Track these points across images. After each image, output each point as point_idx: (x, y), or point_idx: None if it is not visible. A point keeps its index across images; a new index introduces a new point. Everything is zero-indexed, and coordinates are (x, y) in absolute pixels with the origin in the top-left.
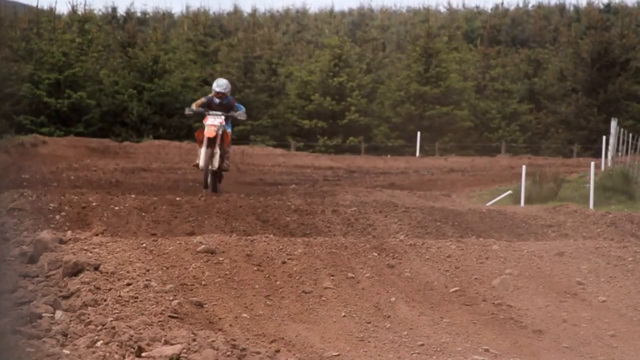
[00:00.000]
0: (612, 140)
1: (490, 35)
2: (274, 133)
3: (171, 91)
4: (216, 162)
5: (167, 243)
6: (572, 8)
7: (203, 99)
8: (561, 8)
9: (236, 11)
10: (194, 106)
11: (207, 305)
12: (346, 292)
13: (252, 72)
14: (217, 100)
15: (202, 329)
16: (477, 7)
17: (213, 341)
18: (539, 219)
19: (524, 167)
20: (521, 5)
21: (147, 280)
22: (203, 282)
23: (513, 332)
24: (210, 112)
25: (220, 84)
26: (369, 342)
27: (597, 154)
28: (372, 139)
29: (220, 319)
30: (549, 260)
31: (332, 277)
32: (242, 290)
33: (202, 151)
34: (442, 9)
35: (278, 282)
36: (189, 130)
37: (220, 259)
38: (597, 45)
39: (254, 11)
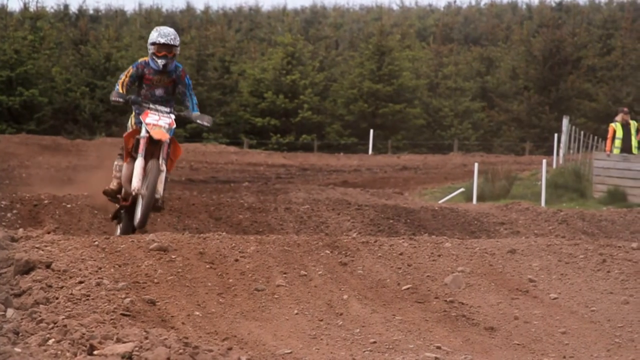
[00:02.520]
0: (563, 138)
1: (443, 34)
2: (227, 131)
3: None
4: (162, 186)
5: (119, 241)
6: (524, 6)
7: (131, 69)
8: (513, 6)
9: (189, 9)
10: (119, 86)
11: (159, 303)
12: (299, 289)
13: (204, 70)
14: (157, 66)
15: (154, 327)
16: (430, 5)
17: (165, 339)
18: (491, 216)
19: (476, 164)
20: (474, 3)
21: (99, 278)
22: (155, 280)
23: (465, 330)
24: (152, 106)
25: (165, 33)
26: (321, 339)
27: (549, 152)
28: (325, 136)
29: (172, 317)
30: (501, 257)
31: (284, 275)
32: (194, 288)
33: (137, 164)
34: (395, 7)
35: (231, 280)
36: None
37: (173, 256)
38: (549, 44)
39: (207, 9)
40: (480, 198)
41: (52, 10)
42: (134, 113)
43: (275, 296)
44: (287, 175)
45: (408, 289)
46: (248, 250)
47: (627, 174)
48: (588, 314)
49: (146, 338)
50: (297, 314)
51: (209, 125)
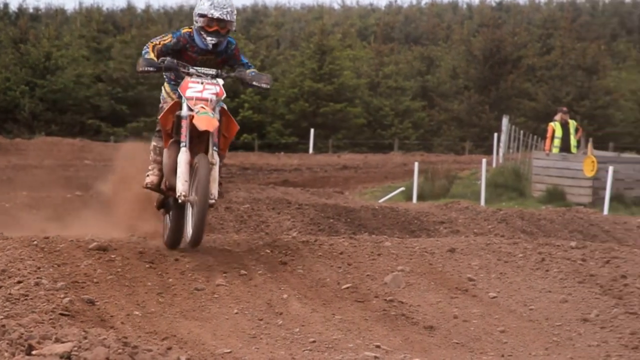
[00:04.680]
0: (503, 137)
1: (384, 33)
2: None
3: (64, 88)
4: (216, 185)
5: (58, 240)
6: (464, 6)
7: (169, 38)
8: (454, 6)
9: (130, 8)
10: (148, 49)
11: (98, 303)
12: (239, 289)
13: None
14: (205, 44)
15: (93, 327)
16: (371, 4)
17: (104, 339)
18: (431, 215)
19: (416, 164)
20: (414, 2)
21: (38, 278)
22: (95, 280)
23: (404, 329)
24: (192, 70)
25: (219, 4)
26: (261, 339)
27: (488, 151)
28: (266, 136)
29: (111, 316)
30: (441, 256)
31: (224, 274)
32: (134, 287)
33: (181, 159)
34: (336, 7)
35: (170, 280)
36: (82, 127)
37: (112, 256)
38: (489, 43)
39: (148, 8)
40: (420, 197)
41: None
42: (166, 84)
43: (215, 295)
44: (228, 175)
45: (348, 288)
46: (188, 250)
47: (565, 173)
48: (527, 312)
49: (85, 338)
50: (237, 313)
51: (268, 86)
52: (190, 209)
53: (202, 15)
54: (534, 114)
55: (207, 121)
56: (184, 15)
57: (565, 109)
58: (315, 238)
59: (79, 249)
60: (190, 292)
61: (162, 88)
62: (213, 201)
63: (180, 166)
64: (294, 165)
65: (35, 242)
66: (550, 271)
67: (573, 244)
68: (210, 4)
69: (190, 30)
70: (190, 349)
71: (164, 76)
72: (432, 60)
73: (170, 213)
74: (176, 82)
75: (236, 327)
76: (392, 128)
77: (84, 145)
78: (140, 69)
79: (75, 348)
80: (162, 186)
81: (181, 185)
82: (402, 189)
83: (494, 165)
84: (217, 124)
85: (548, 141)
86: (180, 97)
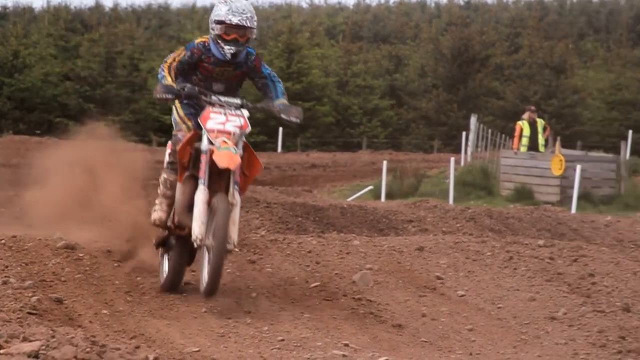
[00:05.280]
0: (471, 136)
1: (352, 32)
2: (136, 129)
3: (31, 86)
4: (235, 229)
5: (26, 239)
6: (433, 4)
7: (182, 52)
8: (422, 4)
9: (98, 6)
10: (164, 72)
11: (66, 302)
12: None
13: (113, 67)
14: (223, 54)
15: (61, 326)
16: (339, 3)
17: (72, 338)
18: (399, 214)
19: (384, 162)
20: (383, 1)
21: (5, 276)
22: (63, 279)
23: (373, 327)
24: (215, 98)
25: (238, 8)
26: (229, 337)
27: (457, 150)
28: None
29: (80, 315)
30: (409, 255)
31: (192, 273)
32: (102, 286)
33: (198, 199)
34: (305, 5)
35: (138, 278)
36: (50, 126)
37: (81, 255)
38: (457, 42)
39: (116, 6)
40: (389, 196)
41: None
42: (178, 104)
43: (184, 294)
44: None
45: (316, 286)
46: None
47: (533, 172)
48: (495, 311)
49: (53, 337)
50: (205, 312)
51: (298, 121)
52: (206, 253)
53: (219, 22)
54: (502, 112)
55: (228, 158)
56: (152, 13)
57: (533, 107)
58: (284, 237)
59: (46, 247)
60: (158, 290)
61: (173, 110)
62: (232, 247)
63: (197, 206)
64: (262, 163)
65: (3, 241)
66: (519, 269)
67: (541, 242)
68: (228, 9)
69: (205, 39)
70: (159, 347)
71: (180, 104)
72: (400, 59)
73: (170, 253)
74: (190, 104)
75: (204, 326)
76: (361, 127)
77: (51, 144)
78: (158, 96)
79: (43, 347)
80: (170, 223)
81: (198, 227)
82: (370, 187)
83: (462, 163)
84: (239, 161)
85: (516, 140)
86: (197, 125)
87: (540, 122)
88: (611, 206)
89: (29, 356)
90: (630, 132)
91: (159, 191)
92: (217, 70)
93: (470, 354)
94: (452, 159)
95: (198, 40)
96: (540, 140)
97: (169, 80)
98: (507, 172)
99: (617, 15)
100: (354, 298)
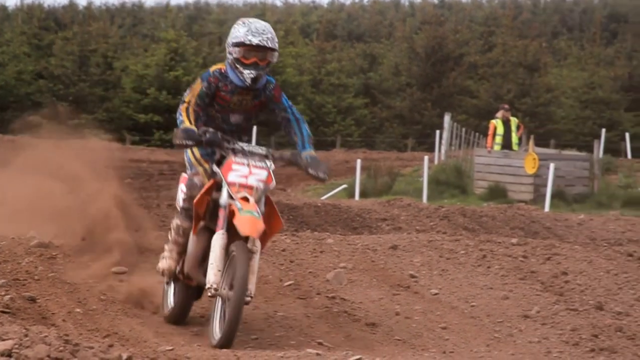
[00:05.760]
0: (445, 134)
1: (326, 30)
2: (109, 127)
3: (4, 85)
4: (254, 281)
5: None
6: (407, 3)
7: (199, 86)
8: (396, 3)
9: (71, 4)
10: (182, 116)
11: (40, 301)
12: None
13: (87, 66)
14: (242, 81)
15: (34, 325)
16: (314, 1)
17: (45, 336)
18: (373, 212)
19: (358, 161)
20: (357, 0)
21: None
22: (36, 277)
23: (346, 326)
24: (238, 147)
25: (258, 29)
26: (203, 336)
27: (430, 148)
28: None
29: (53, 314)
30: (383, 253)
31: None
32: (75, 285)
33: (215, 243)
34: (279, 3)
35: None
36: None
37: (54, 253)
38: (431, 41)
39: (90, 4)
40: (363, 194)
41: None
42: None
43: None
44: (170, 172)
45: (290, 285)
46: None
47: (507, 170)
48: (468, 309)
49: (26, 335)
50: None
51: (325, 177)
52: (220, 303)
53: (237, 45)
54: (475, 111)
55: (251, 224)
56: (126, 12)
57: (507, 106)
58: None
59: (20, 246)
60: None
61: (187, 150)
62: (250, 299)
63: (214, 251)
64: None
65: None
66: (492, 268)
67: (514, 240)
68: (247, 30)
69: (221, 66)
70: (132, 346)
71: (197, 150)
72: (374, 57)
73: (177, 284)
74: (217, 158)
75: (178, 325)
76: (335, 125)
77: (24, 143)
78: (178, 142)
79: (16, 346)
80: (178, 273)
81: (213, 275)
82: (344, 186)
83: (436, 162)
84: (262, 227)
85: (490, 138)
86: (212, 173)
87: (513, 121)
88: (584, 204)
89: (2, 355)
90: (604, 130)
91: (169, 237)
92: (235, 100)
93: (444, 352)
94: (426, 158)
95: (213, 68)
96: (514, 138)
97: (187, 123)
98: (481, 171)
99: (590, 14)
100: (327, 296)
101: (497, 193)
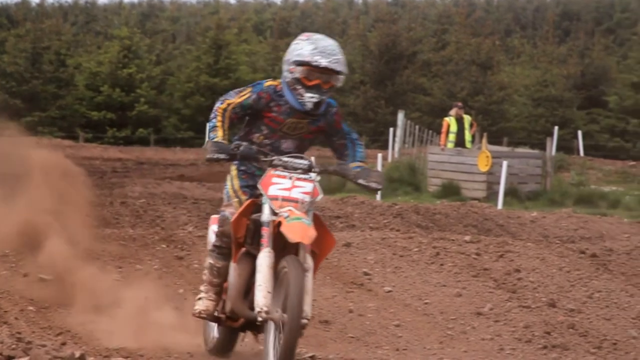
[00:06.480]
0: (399, 132)
1: (280, 28)
2: (62, 124)
3: None
4: (309, 302)
5: None
6: (360, 1)
7: (247, 93)
8: (350, 1)
9: (24, 1)
10: (217, 123)
11: None
12: (135, 284)
13: (40, 63)
14: (301, 105)
15: None
16: None
17: None
18: (326, 210)
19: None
20: None
21: None
22: None
23: None
24: (277, 160)
25: (327, 49)
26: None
27: (384, 146)
28: (162, 130)
29: (5, 312)
30: (337, 251)
31: (120, 270)
32: (28, 283)
33: (262, 262)
34: (232, 1)
35: (67, 275)
36: None
37: (7, 251)
38: (384, 38)
39: (43, 1)
40: None
41: None
42: (234, 173)
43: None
44: (124, 170)
45: None
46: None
47: (460, 168)
48: (421, 306)
49: None
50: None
51: (379, 187)
52: (272, 328)
53: (301, 64)
54: (429, 109)
55: (301, 230)
56: (79, 9)
57: (460, 104)
58: None
59: None
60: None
61: (227, 180)
62: (306, 321)
63: (260, 272)
64: (190, 160)
65: None
66: (445, 265)
67: (467, 238)
68: (314, 49)
69: (276, 83)
70: (85, 343)
71: (236, 165)
72: None
73: (217, 328)
74: (248, 173)
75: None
76: None
77: None
78: (209, 156)
79: None
80: (219, 313)
81: (262, 297)
82: None
83: (389, 160)
84: (314, 234)
85: (443, 136)
86: (250, 193)
87: (467, 119)
88: (537, 202)
89: None
90: (556, 128)
91: (203, 277)
92: (289, 123)
93: (397, 350)
94: (380, 155)
95: (268, 83)
96: (467, 136)
97: (220, 135)
98: (434, 168)
99: (543, 12)
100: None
101: (450, 190)
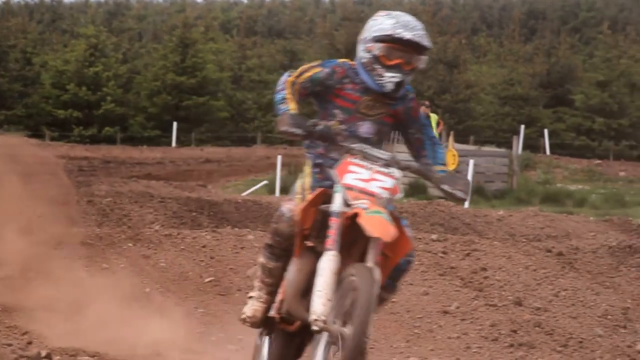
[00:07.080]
0: None
1: (247, 26)
2: (28, 123)
3: None
4: (373, 320)
5: None
6: (327, 0)
7: (316, 68)
8: (317, 0)
9: None
10: (287, 92)
11: None
12: (101, 282)
13: (6, 62)
14: (379, 85)
15: None
16: None
17: None
18: None
19: (279, 157)
20: None
21: None
22: None
23: None
24: (356, 148)
25: (409, 23)
26: (123, 332)
27: None
28: (128, 129)
29: None
30: None
31: (86, 268)
32: None
33: (324, 266)
34: (199, 0)
35: (31, 274)
36: None
37: None
38: (351, 37)
39: (8, 0)
40: (284, 190)
41: None
42: (309, 168)
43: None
44: (90, 168)
45: (210, 281)
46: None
47: None
48: (388, 305)
49: None
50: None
51: (465, 197)
52: (326, 341)
53: (381, 39)
54: None
55: (381, 225)
56: (45, 7)
57: (427, 102)
58: (178, 231)
59: None
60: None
61: (299, 176)
62: (367, 338)
63: (322, 275)
64: (156, 158)
65: None
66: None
67: (434, 236)
68: (395, 22)
69: (351, 62)
70: (51, 343)
71: (306, 152)
72: (295, 53)
73: (273, 336)
74: (322, 175)
75: (98, 321)
76: (255, 121)
77: None
78: (284, 129)
79: None
80: (274, 313)
81: (321, 305)
82: (265, 182)
83: None
84: (394, 232)
85: None
86: (317, 181)
87: (433, 117)
88: (504, 200)
89: None
90: (523, 127)
91: (255, 277)
92: (366, 102)
93: None
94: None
95: (341, 60)
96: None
97: (293, 108)
98: None
99: (509, 11)
100: (247, 293)
101: (417, 189)
